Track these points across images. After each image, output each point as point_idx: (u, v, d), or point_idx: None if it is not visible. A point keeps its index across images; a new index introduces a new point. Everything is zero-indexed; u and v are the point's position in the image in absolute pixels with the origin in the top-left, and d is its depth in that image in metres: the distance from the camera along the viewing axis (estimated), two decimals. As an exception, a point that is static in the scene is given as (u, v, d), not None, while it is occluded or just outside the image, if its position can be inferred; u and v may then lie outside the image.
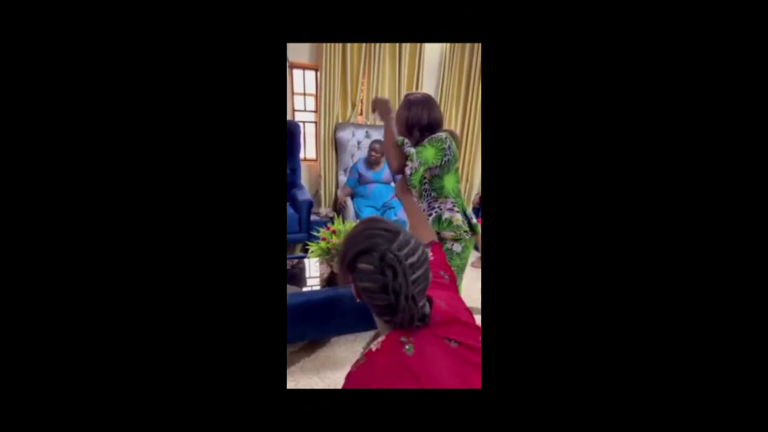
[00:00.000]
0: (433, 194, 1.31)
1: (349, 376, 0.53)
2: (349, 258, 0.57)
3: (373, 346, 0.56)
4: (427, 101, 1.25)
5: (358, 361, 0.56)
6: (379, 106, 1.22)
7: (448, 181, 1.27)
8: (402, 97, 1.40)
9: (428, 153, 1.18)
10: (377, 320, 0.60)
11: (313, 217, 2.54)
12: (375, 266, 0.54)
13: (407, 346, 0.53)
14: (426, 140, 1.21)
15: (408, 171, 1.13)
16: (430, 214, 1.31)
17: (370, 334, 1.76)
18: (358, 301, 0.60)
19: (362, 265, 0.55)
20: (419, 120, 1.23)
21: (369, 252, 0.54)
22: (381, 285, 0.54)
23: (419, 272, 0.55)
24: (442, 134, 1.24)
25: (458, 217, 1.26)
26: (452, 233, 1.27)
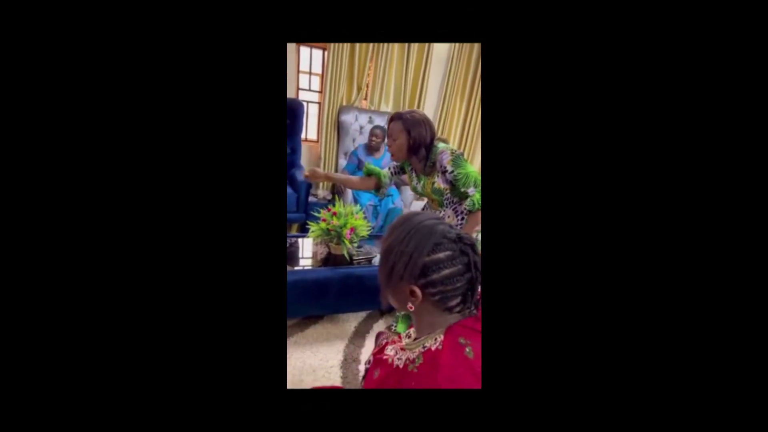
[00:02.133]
0: (455, 200, 1.37)
1: (406, 376, 0.53)
2: (422, 260, 0.53)
3: (431, 346, 0.55)
4: (425, 119, 1.32)
5: (407, 359, 0.56)
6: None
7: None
8: (405, 101, 1.44)
9: (472, 174, 1.28)
10: (423, 319, 0.58)
11: (310, 199, 2.56)
12: (454, 249, 0.54)
13: (467, 349, 0.52)
14: (451, 165, 1.27)
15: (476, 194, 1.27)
16: (461, 218, 1.37)
17: (363, 315, 1.82)
18: (411, 310, 0.57)
19: (440, 255, 0.53)
20: (424, 139, 1.31)
21: (441, 241, 0.53)
22: (465, 264, 0.54)
23: None
24: (442, 146, 1.31)
25: None
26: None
